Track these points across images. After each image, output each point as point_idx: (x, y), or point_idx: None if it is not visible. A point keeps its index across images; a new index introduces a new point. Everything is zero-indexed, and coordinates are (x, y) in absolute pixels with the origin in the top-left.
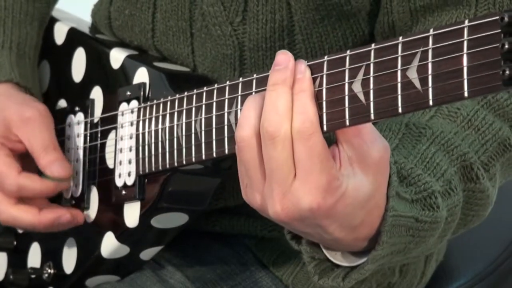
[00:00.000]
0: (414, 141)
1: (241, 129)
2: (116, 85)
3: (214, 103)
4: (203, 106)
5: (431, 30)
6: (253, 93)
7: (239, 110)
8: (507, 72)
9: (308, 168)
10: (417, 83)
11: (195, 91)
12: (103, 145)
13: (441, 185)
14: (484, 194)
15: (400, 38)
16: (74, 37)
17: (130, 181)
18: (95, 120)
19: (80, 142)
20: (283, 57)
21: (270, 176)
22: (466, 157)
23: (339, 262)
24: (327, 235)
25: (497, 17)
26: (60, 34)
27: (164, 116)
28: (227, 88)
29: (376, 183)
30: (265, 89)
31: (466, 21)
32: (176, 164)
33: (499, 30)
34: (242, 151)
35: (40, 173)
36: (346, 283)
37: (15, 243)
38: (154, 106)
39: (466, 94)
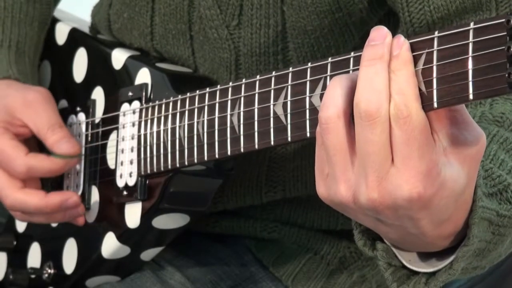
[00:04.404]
0: None
1: (326, 109)
2: (118, 86)
3: (217, 104)
4: (206, 107)
5: (436, 32)
6: (256, 94)
7: (242, 112)
8: None
9: (406, 154)
10: (421, 86)
11: (197, 92)
12: (104, 146)
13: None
14: None
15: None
16: (76, 37)
17: (131, 181)
18: (97, 121)
19: (81, 142)
20: (378, 32)
21: (363, 161)
22: None
23: (416, 268)
24: (414, 229)
25: (503, 20)
26: (61, 34)
27: (166, 117)
28: (229, 89)
29: (469, 176)
30: (267, 90)
31: (472, 24)
32: (178, 165)
33: (505, 33)
34: (327, 134)
35: (47, 153)
36: (431, 287)
37: (15, 243)
38: (156, 107)
39: (471, 96)
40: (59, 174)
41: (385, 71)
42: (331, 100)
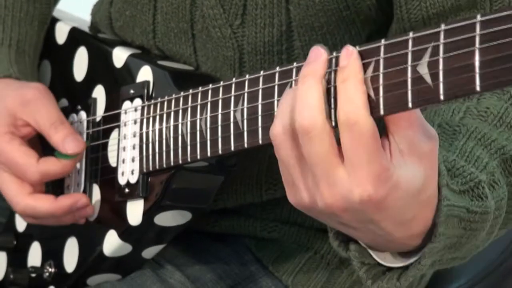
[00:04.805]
0: (450, 139)
1: (274, 126)
2: (119, 84)
3: (220, 101)
4: (209, 104)
5: (443, 25)
6: (260, 90)
7: (245, 108)
8: None
9: (355, 159)
10: (427, 78)
11: (200, 88)
12: (105, 144)
13: (485, 176)
14: None
15: (411, 33)
16: (76, 36)
17: (133, 179)
18: (98, 119)
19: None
20: (314, 53)
21: (312, 171)
22: (505, 149)
23: (390, 264)
24: (379, 231)
25: (510, 12)
26: (61, 34)
27: (168, 114)
28: (233, 85)
29: (427, 175)
30: (272, 85)
31: (478, 16)
32: (180, 161)
33: None
34: (278, 149)
35: (46, 151)
36: (402, 282)
37: (15, 242)
38: (158, 104)
39: (478, 88)
40: (70, 172)
41: (317, 85)
42: (279, 115)
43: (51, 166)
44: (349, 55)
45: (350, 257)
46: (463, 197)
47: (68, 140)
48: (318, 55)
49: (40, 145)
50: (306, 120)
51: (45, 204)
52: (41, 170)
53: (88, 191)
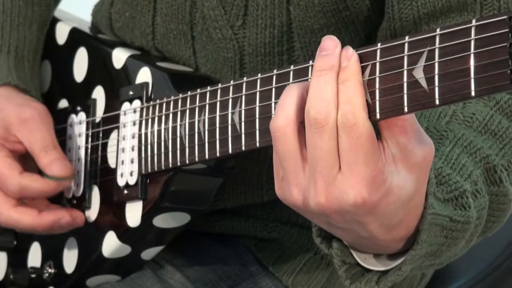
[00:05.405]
0: (437, 144)
1: (276, 118)
2: (119, 85)
3: (218, 103)
4: (207, 106)
5: (438, 30)
6: (257, 92)
7: (243, 110)
8: None
9: (352, 161)
10: (423, 83)
11: (198, 90)
12: (104, 145)
13: (469, 185)
14: (507, 198)
15: (407, 37)
16: (76, 37)
17: (132, 180)
18: (97, 120)
19: (81, 141)
20: (330, 43)
21: (313, 166)
22: (489, 159)
23: (370, 267)
24: (364, 233)
25: (505, 17)
26: (61, 34)
27: (167, 116)
28: (231, 87)
29: (418, 183)
30: (269, 88)
31: (474, 21)
32: (179, 163)
33: (507, 30)
34: (276, 141)
35: (41, 173)
36: (381, 287)
37: (15, 242)
38: (157, 106)
39: (473, 93)
40: (52, 195)
41: (334, 81)
42: (282, 109)
43: (33, 182)
44: (349, 56)
45: (332, 254)
46: (447, 205)
47: (56, 163)
48: (333, 46)
49: (36, 166)
50: (321, 114)
51: (27, 218)
52: (22, 183)
53: (87, 192)
